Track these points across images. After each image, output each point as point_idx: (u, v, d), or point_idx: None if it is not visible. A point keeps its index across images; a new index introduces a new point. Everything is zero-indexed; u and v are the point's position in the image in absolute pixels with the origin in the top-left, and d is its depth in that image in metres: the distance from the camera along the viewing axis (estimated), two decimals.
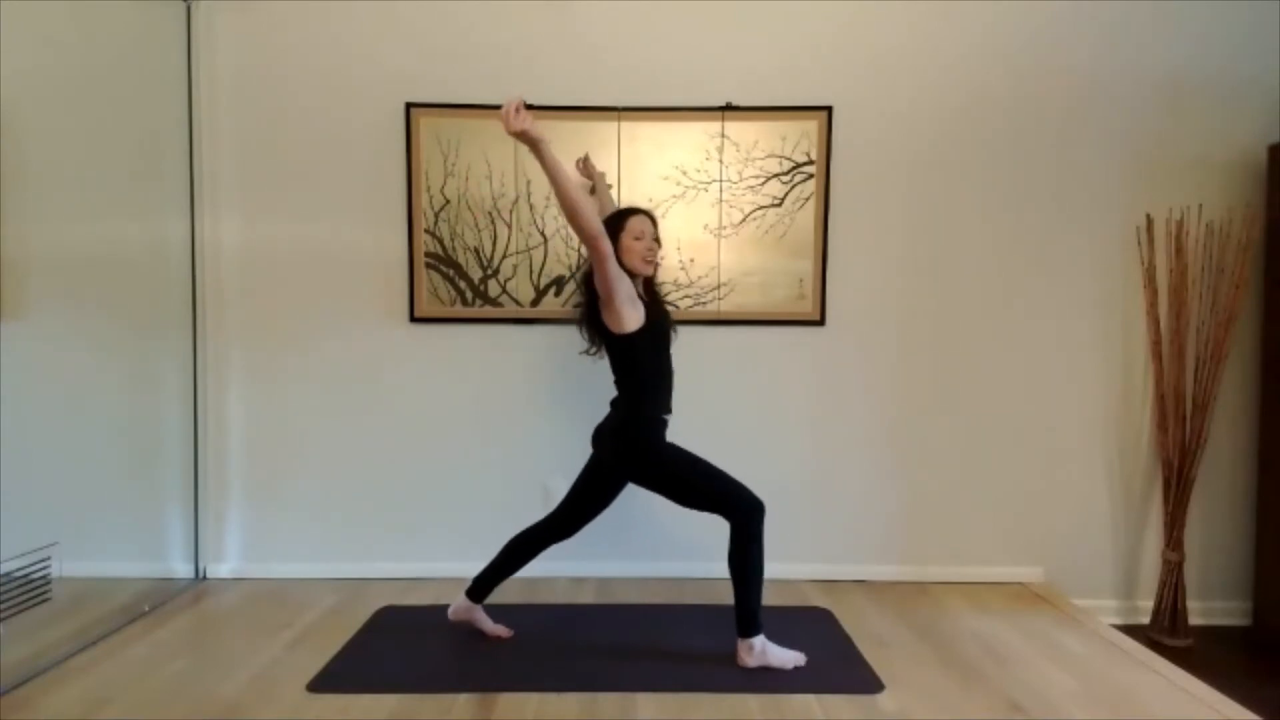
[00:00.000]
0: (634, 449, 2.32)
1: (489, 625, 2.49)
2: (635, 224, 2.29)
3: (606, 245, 2.13)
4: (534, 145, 2.05)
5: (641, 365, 2.30)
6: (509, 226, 3.00)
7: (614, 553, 3.05)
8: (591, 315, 2.30)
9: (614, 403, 2.37)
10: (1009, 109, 3.00)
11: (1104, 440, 3.09)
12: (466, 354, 3.04)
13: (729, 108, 2.97)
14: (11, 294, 2.18)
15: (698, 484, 2.29)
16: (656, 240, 2.33)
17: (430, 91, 2.97)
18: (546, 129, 2.90)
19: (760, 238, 3.00)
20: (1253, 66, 2.99)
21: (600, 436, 2.39)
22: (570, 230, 2.94)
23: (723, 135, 2.98)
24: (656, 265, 2.36)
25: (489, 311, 3.02)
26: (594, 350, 2.36)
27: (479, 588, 2.48)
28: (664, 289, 2.97)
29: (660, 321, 2.34)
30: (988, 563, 3.09)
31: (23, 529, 2.20)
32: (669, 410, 2.36)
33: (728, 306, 3.02)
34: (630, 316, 2.22)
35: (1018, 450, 3.08)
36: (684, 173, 2.98)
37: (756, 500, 2.27)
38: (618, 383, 2.36)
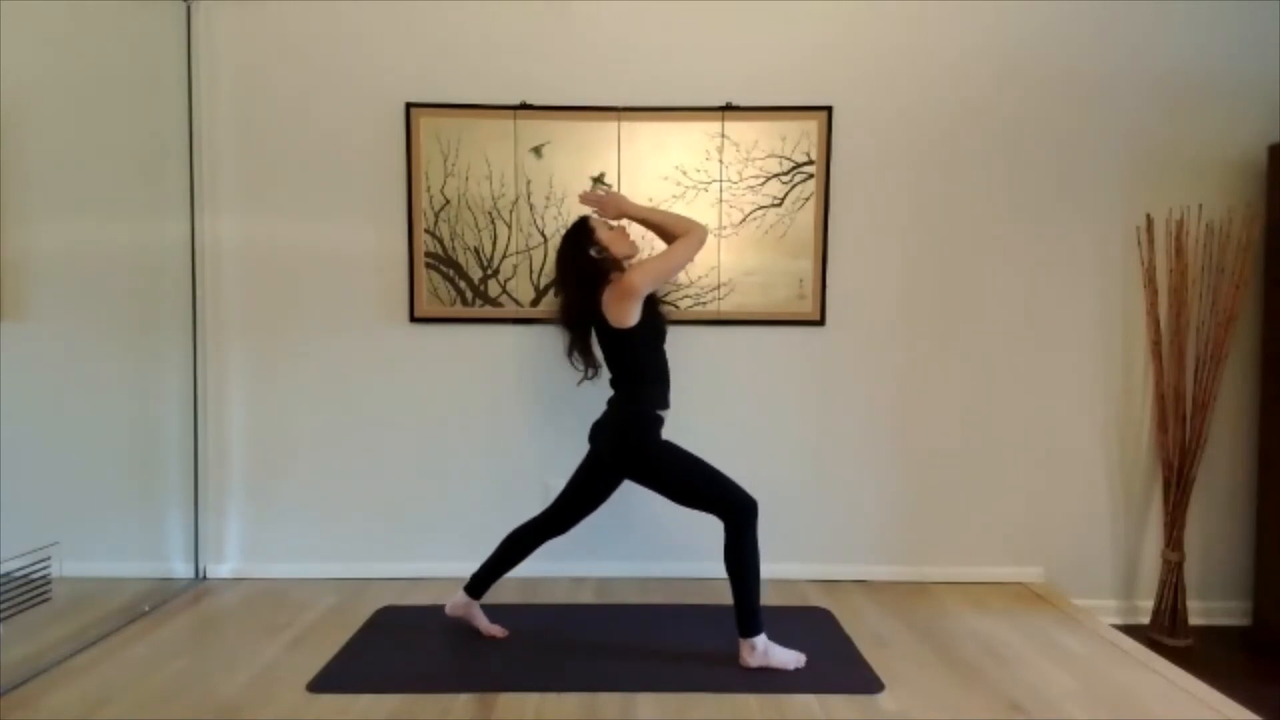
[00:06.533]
0: (630, 445, 2.32)
1: (484, 624, 2.49)
2: (592, 223, 2.36)
3: (687, 256, 2.33)
4: (644, 221, 2.37)
5: (638, 361, 2.32)
6: (509, 226, 3.00)
7: (614, 553, 3.05)
8: (586, 310, 2.29)
9: (611, 400, 2.38)
10: (1009, 109, 3.00)
11: (1104, 440, 3.09)
12: (466, 354, 3.04)
13: (729, 108, 2.97)
14: (11, 294, 2.18)
15: (692, 482, 2.29)
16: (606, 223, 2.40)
17: (430, 91, 2.97)
18: (547, 129, 2.97)
19: (760, 238, 3.00)
20: (1253, 66, 2.99)
21: (598, 432, 2.39)
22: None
23: (723, 135, 2.98)
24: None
25: (489, 311, 3.02)
26: (591, 375, 2.40)
27: (477, 584, 2.48)
28: (663, 289, 2.98)
29: (656, 319, 2.36)
30: (988, 563, 3.09)
31: (23, 529, 2.20)
32: (666, 407, 2.37)
33: (728, 306, 3.02)
34: (636, 312, 2.25)
35: (1018, 450, 3.08)
36: (684, 173, 2.98)
37: (750, 499, 2.27)
38: (614, 379, 2.37)
